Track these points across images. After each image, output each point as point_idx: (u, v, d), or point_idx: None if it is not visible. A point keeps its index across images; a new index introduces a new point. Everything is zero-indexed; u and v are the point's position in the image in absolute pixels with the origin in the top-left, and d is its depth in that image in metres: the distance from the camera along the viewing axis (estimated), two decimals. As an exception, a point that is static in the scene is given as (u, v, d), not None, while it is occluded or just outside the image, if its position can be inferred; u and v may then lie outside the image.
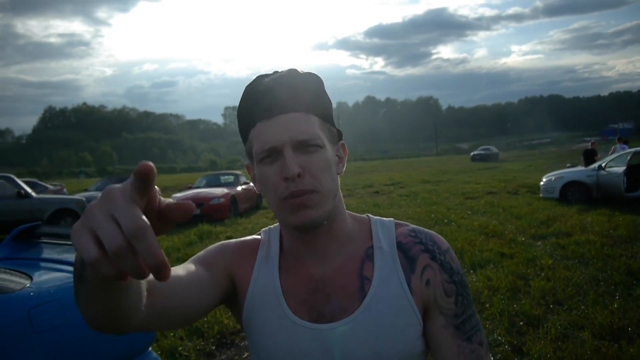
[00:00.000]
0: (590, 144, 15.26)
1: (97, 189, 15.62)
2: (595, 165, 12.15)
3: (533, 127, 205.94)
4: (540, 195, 13.12)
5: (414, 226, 0.96)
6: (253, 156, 0.88)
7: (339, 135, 0.93)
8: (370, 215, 0.99)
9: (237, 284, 0.93)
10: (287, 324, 0.88)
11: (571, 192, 12.04)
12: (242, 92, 0.90)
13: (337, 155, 0.91)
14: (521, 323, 4.33)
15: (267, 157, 0.84)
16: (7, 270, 2.76)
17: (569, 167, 15.08)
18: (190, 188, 15.28)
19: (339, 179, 0.91)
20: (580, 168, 13.10)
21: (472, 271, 6.11)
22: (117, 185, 0.47)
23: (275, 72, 0.88)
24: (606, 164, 11.84)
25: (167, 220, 0.51)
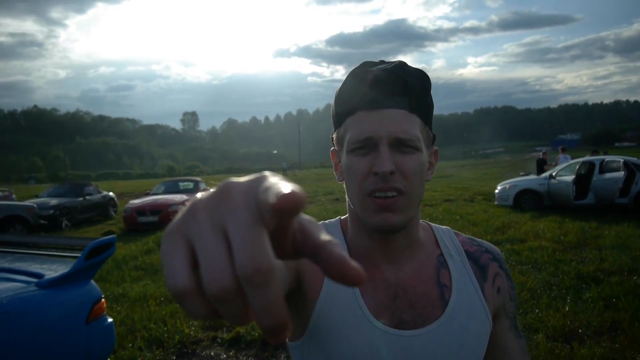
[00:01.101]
0: (541, 153, 15.90)
1: (49, 195, 15.02)
2: (547, 174, 12.66)
3: (488, 136, 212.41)
4: (495, 202, 13.54)
5: (470, 235, 0.99)
6: (344, 144, 0.84)
7: (434, 140, 0.90)
8: (429, 222, 0.98)
9: (306, 281, 0.85)
10: (367, 328, 0.83)
11: (524, 199, 12.49)
12: (346, 78, 0.83)
13: (428, 161, 0.87)
14: (479, 327, 4.45)
15: (360, 149, 0.80)
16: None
17: (522, 175, 15.63)
18: (147, 194, 14.94)
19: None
20: (532, 177, 13.61)
21: (431, 277, 6.23)
22: (245, 182, 0.31)
23: (382, 62, 0.83)
24: (557, 173, 12.36)
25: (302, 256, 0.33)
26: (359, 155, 0.80)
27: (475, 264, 0.92)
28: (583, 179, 11.90)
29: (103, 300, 3.17)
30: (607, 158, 12.26)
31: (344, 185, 0.87)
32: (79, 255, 2.97)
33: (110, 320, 3.23)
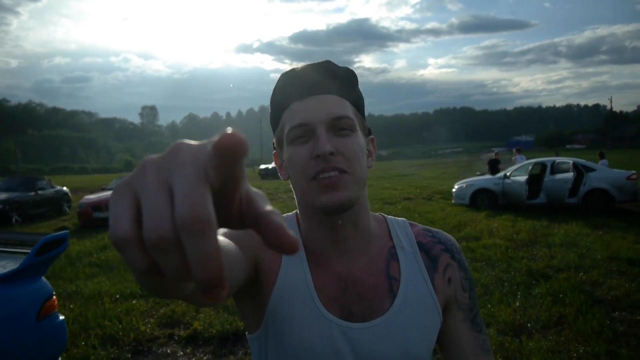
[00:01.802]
0: (494, 154, 16.39)
1: (-1, 189, 14.42)
2: (501, 174, 13.06)
3: (447, 136, 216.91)
4: (453, 201, 13.85)
5: (425, 226, 0.99)
6: (284, 140, 0.86)
7: (369, 132, 0.93)
8: (384, 214, 0.99)
9: (262, 272, 0.87)
10: (319, 321, 0.85)
11: (480, 198, 12.84)
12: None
13: (367, 149, 0.90)
14: (434, 322, 4.56)
15: (299, 138, 0.82)
16: None
17: (478, 175, 16.04)
18: (104, 190, 14.55)
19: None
20: (488, 176, 14.00)
21: (389, 273, 6.35)
22: (195, 144, 0.32)
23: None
24: (510, 173, 12.76)
25: (246, 226, 0.34)
26: (299, 145, 0.82)
27: (427, 255, 0.93)
28: (535, 180, 12.33)
29: (54, 297, 3.08)
30: (558, 159, 12.75)
31: (290, 182, 0.89)
32: (29, 251, 2.89)
33: (61, 317, 3.15)
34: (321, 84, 0.84)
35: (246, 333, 0.94)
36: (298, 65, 0.89)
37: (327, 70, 0.85)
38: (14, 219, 12.97)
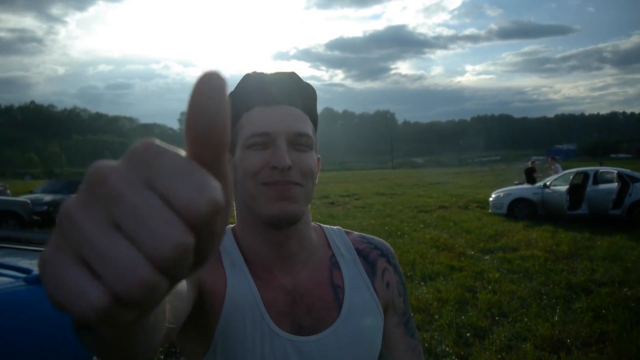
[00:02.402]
0: (530, 162, 16.06)
1: (44, 191, 14.96)
2: (541, 183, 12.70)
3: (484, 144, 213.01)
4: (489, 210, 13.55)
5: (360, 233, 1.01)
6: (238, 140, 0.83)
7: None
8: (319, 223, 0.99)
9: (206, 294, 0.82)
10: (271, 338, 0.82)
11: (518, 208, 12.50)
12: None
13: None
14: (468, 334, 4.46)
15: (257, 144, 0.80)
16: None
17: (516, 184, 15.66)
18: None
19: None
20: (526, 185, 13.64)
21: (422, 283, 6.25)
22: (115, 163, 0.26)
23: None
24: (551, 182, 12.39)
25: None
26: (256, 150, 0.80)
27: (365, 260, 0.94)
28: (577, 189, 11.94)
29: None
30: (601, 169, 12.31)
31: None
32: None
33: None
34: (289, 95, 0.83)
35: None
36: (260, 71, 0.87)
37: (295, 82, 0.85)
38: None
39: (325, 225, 0.99)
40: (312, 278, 0.89)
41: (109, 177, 0.25)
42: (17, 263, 3.12)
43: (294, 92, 0.84)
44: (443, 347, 4.16)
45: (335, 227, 0.99)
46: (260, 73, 0.85)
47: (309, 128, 0.83)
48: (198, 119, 0.24)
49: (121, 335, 0.35)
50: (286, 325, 0.84)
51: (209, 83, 0.24)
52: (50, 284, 0.24)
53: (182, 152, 0.26)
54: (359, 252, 0.95)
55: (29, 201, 11.81)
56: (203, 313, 0.82)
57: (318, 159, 0.90)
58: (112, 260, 0.23)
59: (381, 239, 1.01)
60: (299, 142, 0.81)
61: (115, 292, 0.24)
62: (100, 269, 0.24)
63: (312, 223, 0.95)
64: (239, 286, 0.84)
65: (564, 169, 14.24)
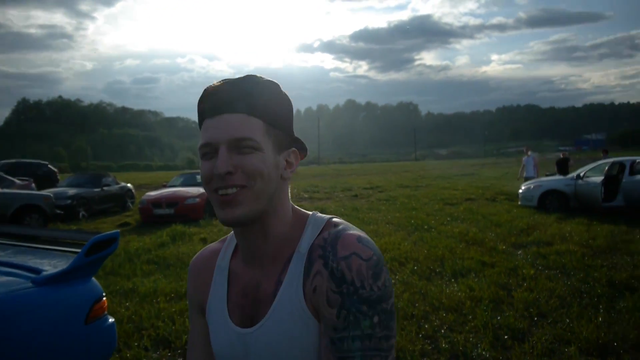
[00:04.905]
0: (562, 154, 15.53)
1: (69, 185, 15.05)
2: (574, 174, 12.21)
3: (510, 135, 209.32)
4: (519, 203, 13.13)
5: (342, 227, 0.89)
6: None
7: (293, 142, 0.94)
8: (316, 213, 0.96)
9: (203, 303, 1.01)
10: (225, 329, 0.93)
11: (549, 200, 12.06)
12: None
13: (286, 161, 0.91)
14: (505, 337, 4.15)
15: (207, 154, 0.86)
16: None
17: (547, 175, 15.15)
18: (165, 187, 14.84)
19: (288, 183, 0.93)
20: (557, 177, 13.15)
21: (453, 280, 5.95)
22: None
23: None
24: (584, 173, 11.90)
25: None
26: (206, 160, 0.87)
27: (308, 258, 0.88)
28: (612, 180, 11.43)
29: (104, 299, 2.97)
30: (638, 159, 11.74)
31: None
32: (79, 250, 2.78)
33: (111, 320, 3.03)
34: (229, 103, 0.85)
35: None
36: (218, 82, 0.91)
37: (238, 88, 0.87)
38: (80, 214, 13.48)
39: (317, 216, 0.94)
40: (267, 272, 0.92)
41: None
42: (26, 262, 2.97)
43: (237, 98, 0.85)
44: (479, 350, 3.87)
45: (325, 217, 0.94)
46: (211, 86, 0.89)
47: (252, 131, 0.85)
48: None
49: None
50: (236, 317, 0.93)
51: None
52: None
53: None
54: (312, 248, 0.89)
55: (51, 195, 11.81)
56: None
57: (293, 151, 0.93)
58: None
59: (347, 235, 0.85)
60: (242, 146, 0.84)
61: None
62: None
63: (308, 212, 0.96)
64: (217, 285, 0.98)
65: (591, 160, 13.82)
